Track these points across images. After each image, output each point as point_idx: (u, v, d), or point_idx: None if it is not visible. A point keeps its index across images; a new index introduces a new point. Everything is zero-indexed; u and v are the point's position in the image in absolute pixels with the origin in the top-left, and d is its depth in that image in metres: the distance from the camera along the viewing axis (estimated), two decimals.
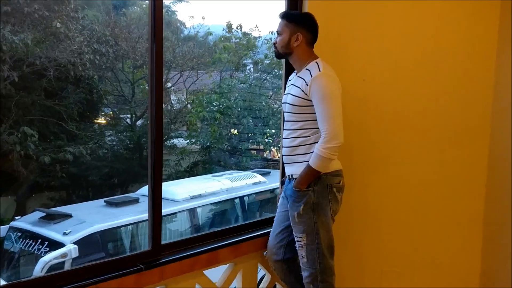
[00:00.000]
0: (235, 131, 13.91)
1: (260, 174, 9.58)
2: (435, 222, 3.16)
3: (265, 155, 15.39)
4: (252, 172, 10.15)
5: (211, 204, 8.41)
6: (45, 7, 10.25)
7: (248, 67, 14.73)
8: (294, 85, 2.55)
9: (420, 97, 3.09)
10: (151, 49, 2.04)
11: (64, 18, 10.59)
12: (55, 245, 6.41)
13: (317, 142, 2.43)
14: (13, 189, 11.26)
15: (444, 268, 3.17)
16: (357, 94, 2.91)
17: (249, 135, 13.79)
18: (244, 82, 13.86)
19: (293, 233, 2.54)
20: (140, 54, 12.53)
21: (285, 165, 2.64)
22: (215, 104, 13.05)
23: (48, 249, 6.48)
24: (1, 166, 10.60)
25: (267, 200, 9.43)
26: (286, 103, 2.58)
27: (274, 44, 2.61)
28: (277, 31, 2.59)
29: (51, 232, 6.68)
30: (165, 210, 7.45)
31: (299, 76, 2.54)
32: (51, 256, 6.11)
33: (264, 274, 2.86)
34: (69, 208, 7.88)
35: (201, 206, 8.13)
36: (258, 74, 14.34)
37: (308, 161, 2.44)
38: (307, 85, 2.44)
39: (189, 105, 13.83)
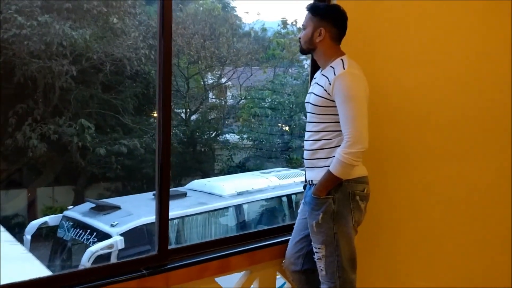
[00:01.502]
0: (287, 128, 13.81)
1: None
2: (469, 232, 2.93)
3: None
4: (301, 170, 9.97)
5: (258, 201, 8.32)
6: (103, 3, 10.52)
7: (304, 63, 14.52)
8: (317, 83, 2.37)
9: (451, 98, 2.87)
10: (159, 45, 1.98)
11: (121, 13, 10.84)
12: (103, 236, 6.54)
13: (339, 146, 2.26)
14: (71, 179, 11.66)
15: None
16: (384, 95, 2.69)
17: (301, 132, 13.62)
18: (297, 78, 13.71)
19: (312, 243, 2.38)
20: (196, 50, 12.64)
21: (306, 169, 2.48)
22: (267, 101, 13.00)
23: (96, 239, 6.62)
24: (60, 157, 11.04)
25: None
26: (308, 102, 2.41)
27: (299, 39, 2.44)
28: (302, 25, 2.41)
29: (99, 223, 6.82)
30: (211, 206, 7.58)
31: (323, 74, 2.35)
32: (98, 247, 6.24)
33: None
34: (119, 200, 8.02)
35: (247, 203, 8.05)
36: None
37: (329, 166, 2.27)
38: (330, 84, 2.26)
39: (242, 101, 13.84)
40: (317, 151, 2.35)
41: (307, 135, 2.43)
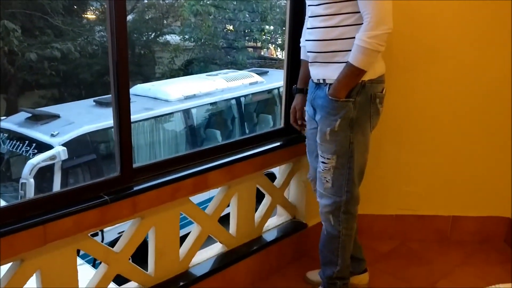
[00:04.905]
0: (231, 27, 13.14)
1: (257, 73, 9.05)
2: (472, 143, 2.76)
3: (262, 53, 14.77)
4: (248, 71, 9.62)
5: (206, 104, 8.00)
6: None
7: None
8: None
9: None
10: None
11: None
12: (43, 147, 6.08)
13: None
14: (1, 87, 10.82)
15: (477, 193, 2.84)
16: None
17: (246, 31, 13.07)
18: None
19: (319, 151, 2.03)
20: None
21: (311, 65, 2.01)
22: None
23: (36, 151, 6.16)
24: None
25: (265, 100, 9.02)
26: None
27: None
28: None
29: (37, 133, 6.31)
30: (158, 111, 7.20)
31: None
32: (39, 159, 5.79)
33: None
34: (57, 108, 7.44)
35: (195, 107, 7.72)
36: None
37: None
38: None
39: None
40: (334, 42, 1.90)
41: (314, 21, 1.96)
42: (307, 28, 2.03)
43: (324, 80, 1.97)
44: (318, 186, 2.08)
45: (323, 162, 2.02)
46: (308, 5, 2.01)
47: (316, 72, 2.01)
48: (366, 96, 1.92)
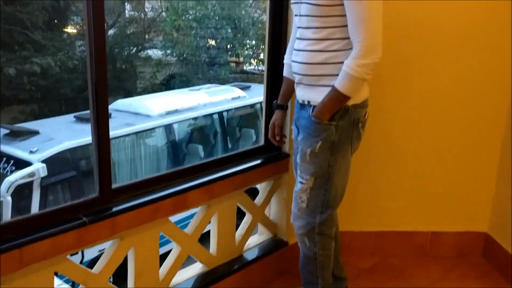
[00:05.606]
0: (213, 42, 13.20)
1: (239, 88, 9.08)
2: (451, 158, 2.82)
3: (244, 67, 14.86)
4: (231, 85, 9.65)
5: (189, 119, 7.99)
6: None
7: None
8: None
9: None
10: None
11: None
12: (22, 163, 6.00)
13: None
14: None
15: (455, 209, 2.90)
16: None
17: (228, 46, 13.14)
18: None
19: (298, 171, 2.05)
20: None
21: (297, 85, 2.01)
22: (191, 12, 12.23)
23: (14, 168, 6.07)
24: None
25: (247, 115, 9.04)
26: (301, 2, 1.92)
27: None
28: None
29: (16, 150, 6.23)
30: (139, 126, 7.17)
31: None
32: (17, 176, 5.70)
33: None
34: (36, 124, 7.37)
35: (177, 122, 7.70)
36: None
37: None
38: None
39: (163, 13, 12.97)
40: (321, 66, 1.90)
41: (301, 43, 1.96)
42: (294, 49, 2.03)
43: (308, 101, 1.98)
44: (293, 207, 2.08)
45: (300, 182, 2.02)
46: (298, 27, 2.01)
47: (301, 94, 2.01)
48: (349, 120, 1.93)
